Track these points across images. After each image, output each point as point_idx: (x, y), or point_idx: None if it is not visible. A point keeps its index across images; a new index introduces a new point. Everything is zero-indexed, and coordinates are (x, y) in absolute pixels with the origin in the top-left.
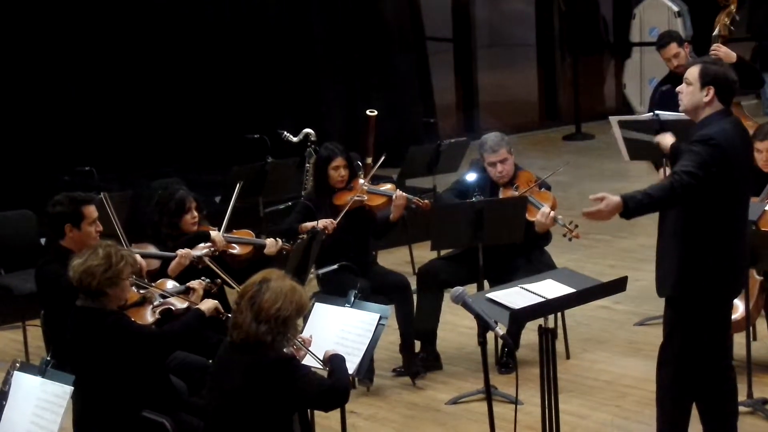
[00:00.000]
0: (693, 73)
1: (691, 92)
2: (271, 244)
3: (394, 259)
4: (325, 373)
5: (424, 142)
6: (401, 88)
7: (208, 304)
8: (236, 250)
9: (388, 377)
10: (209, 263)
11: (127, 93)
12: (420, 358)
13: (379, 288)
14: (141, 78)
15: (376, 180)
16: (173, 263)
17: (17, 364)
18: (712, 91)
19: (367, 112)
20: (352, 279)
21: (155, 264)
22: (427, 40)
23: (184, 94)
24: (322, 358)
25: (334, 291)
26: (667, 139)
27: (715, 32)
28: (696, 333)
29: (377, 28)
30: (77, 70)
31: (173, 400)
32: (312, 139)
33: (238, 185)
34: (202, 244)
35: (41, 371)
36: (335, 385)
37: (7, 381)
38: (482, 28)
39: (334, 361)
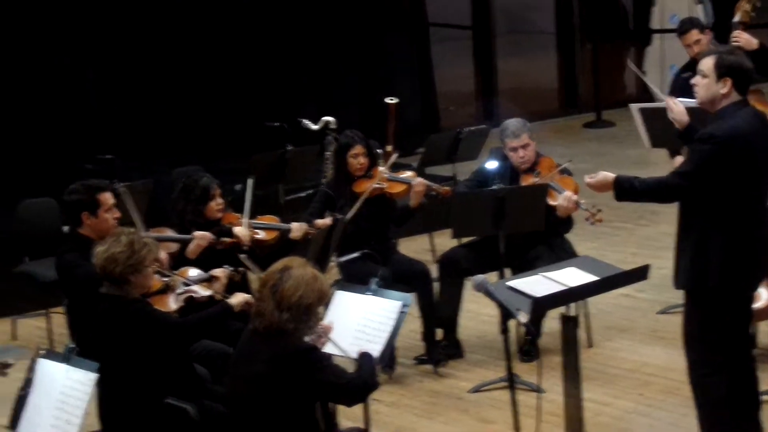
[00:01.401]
0: (708, 64)
1: (706, 85)
2: (297, 228)
3: (414, 247)
4: (346, 361)
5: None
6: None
7: (238, 299)
8: (261, 235)
9: (409, 365)
10: (242, 259)
11: (149, 81)
12: (441, 346)
13: (400, 276)
14: (162, 66)
15: (395, 168)
16: (191, 245)
17: (42, 352)
18: (729, 83)
19: (387, 99)
20: (373, 267)
21: (174, 248)
22: (446, 27)
23: (206, 83)
24: (347, 349)
25: (355, 279)
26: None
27: (736, 18)
28: (715, 324)
29: (396, 15)
30: (100, 60)
31: (197, 387)
32: (332, 126)
33: (250, 181)
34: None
35: (65, 358)
36: (357, 380)
37: (32, 368)
38: (501, 14)
39: (363, 358)
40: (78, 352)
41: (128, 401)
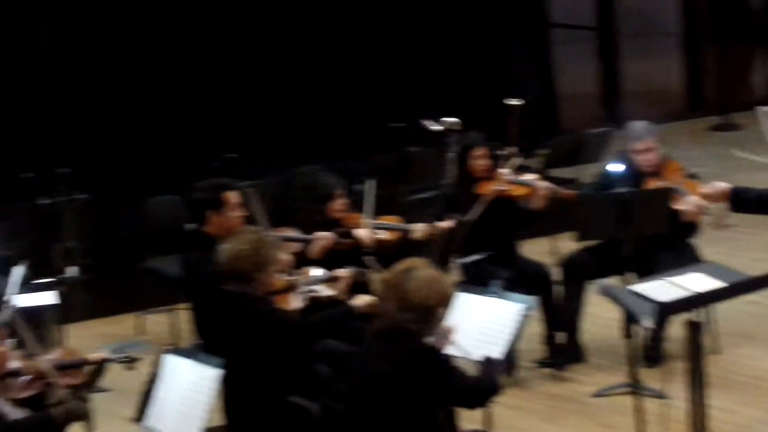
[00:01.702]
0: None
1: None
2: (419, 229)
3: (536, 250)
4: (467, 364)
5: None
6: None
7: (361, 301)
8: (382, 236)
9: (531, 368)
10: (367, 262)
11: (274, 81)
12: (563, 350)
13: (522, 278)
14: (287, 66)
15: (518, 170)
16: (313, 246)
17: (167, 347)
18: None
19: (510, 101)
20: (495, 269)
21: (296, 247)
22: (570, 29)
23: (330, 83)
24: (469, 351)
25: (476, 281)
26: None
27: None
28: None
29: (519, 16)
30: (224, 59)
31: (318, 386)
32: (454, 128)
33: (372, 182)
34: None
35: (191, 355)
36: (479, 383)
37: (157, 363)
38: (626, 16)
39: (486, 362)
40: (203, 349)
41: (252, 398)
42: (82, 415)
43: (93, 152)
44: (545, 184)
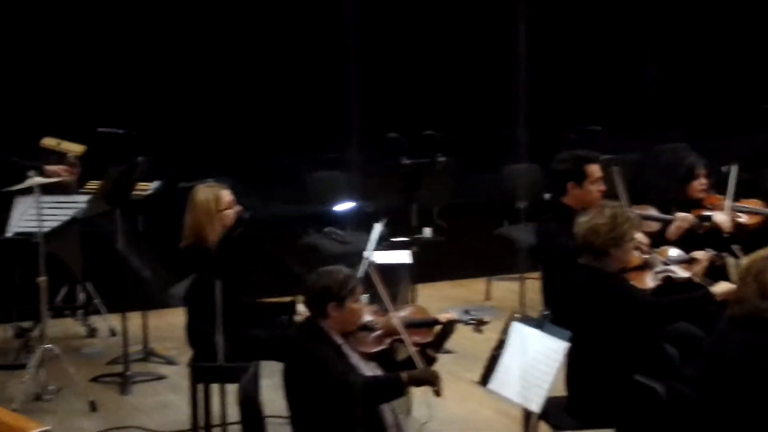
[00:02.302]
0: None
1: None
2: None
3: None
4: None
5: None
6: None
7: (722, 288)
8: (743, 219)
9: None
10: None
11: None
12: None
13: None
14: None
15: None
16: (672, 227)
17: (517, 315)
18: None
19: None
20: None
21: (654, 227)
22: None
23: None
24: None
25: None
26: None
27: None
28: None
29: None
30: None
31: (666, 368)
32: None
33: (735, 167)
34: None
35: (539, 324)
36: None
37: (506, 330)
38: None
39: None
40: (552, 320)
41: (596, 373)
42: (431, 380)
43: (458, 117)
44: None
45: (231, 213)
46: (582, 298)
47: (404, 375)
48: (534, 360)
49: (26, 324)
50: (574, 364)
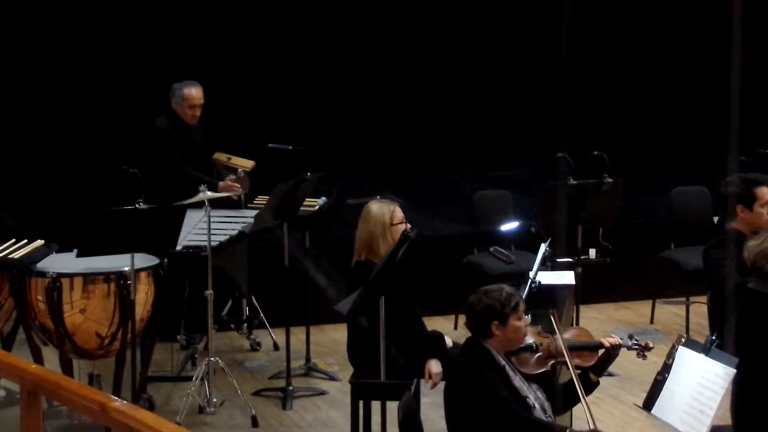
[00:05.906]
0: None
1: None
2: None
3: None
4: None
5: None
6: None
7: None
8: None
9: None
10: None
11: None
12: None
13: None
14: None
15: None
16: None
17: (682, 339)
18: None
19: None
20: None
21: None
22: None
23: None
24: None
25: None
26: None
27: None
28: None
29: None
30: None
31: None
32: None
33: None
34: None
35: (705, 349)
36: None
37: (671, 354)
38: None
39: None
40: (719, 345)
41: (765, 401)
42: None
43: (628, 138)
44: None
45: (402, 228)
46: (749, 324)
47: (558, 427)
48: (699, 386)
49: (192, 336)
50: (741, 391)
